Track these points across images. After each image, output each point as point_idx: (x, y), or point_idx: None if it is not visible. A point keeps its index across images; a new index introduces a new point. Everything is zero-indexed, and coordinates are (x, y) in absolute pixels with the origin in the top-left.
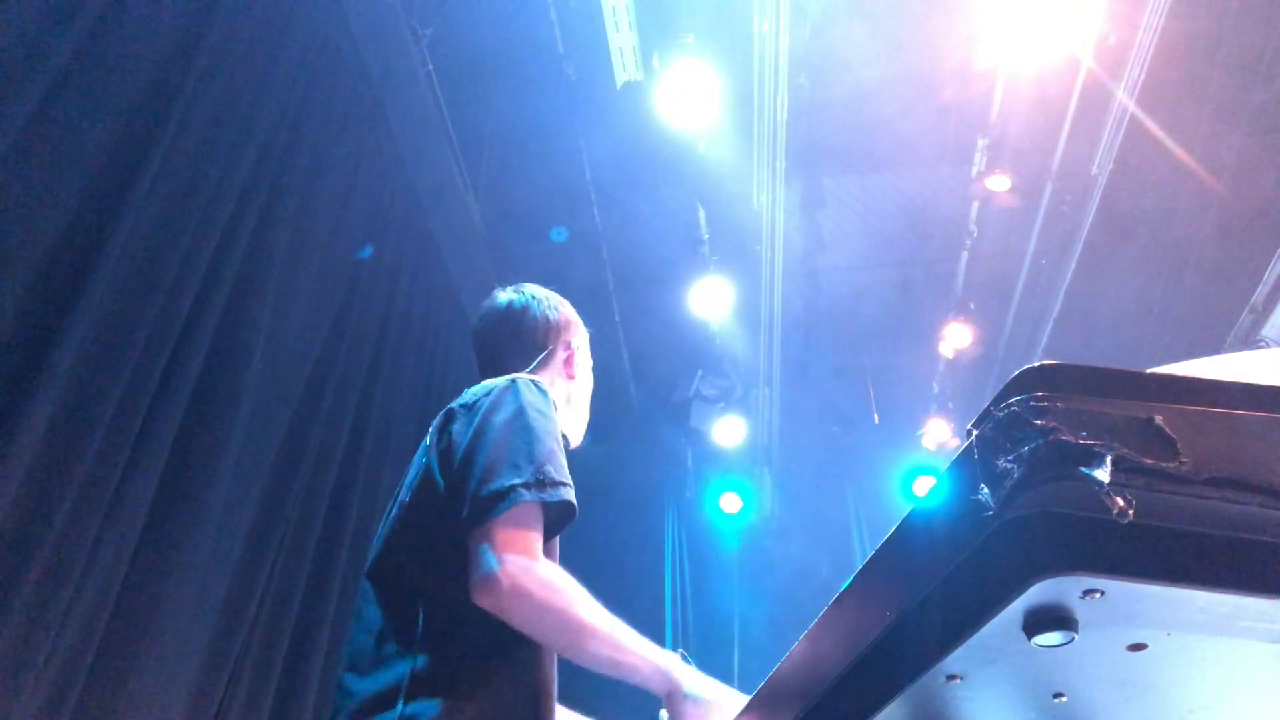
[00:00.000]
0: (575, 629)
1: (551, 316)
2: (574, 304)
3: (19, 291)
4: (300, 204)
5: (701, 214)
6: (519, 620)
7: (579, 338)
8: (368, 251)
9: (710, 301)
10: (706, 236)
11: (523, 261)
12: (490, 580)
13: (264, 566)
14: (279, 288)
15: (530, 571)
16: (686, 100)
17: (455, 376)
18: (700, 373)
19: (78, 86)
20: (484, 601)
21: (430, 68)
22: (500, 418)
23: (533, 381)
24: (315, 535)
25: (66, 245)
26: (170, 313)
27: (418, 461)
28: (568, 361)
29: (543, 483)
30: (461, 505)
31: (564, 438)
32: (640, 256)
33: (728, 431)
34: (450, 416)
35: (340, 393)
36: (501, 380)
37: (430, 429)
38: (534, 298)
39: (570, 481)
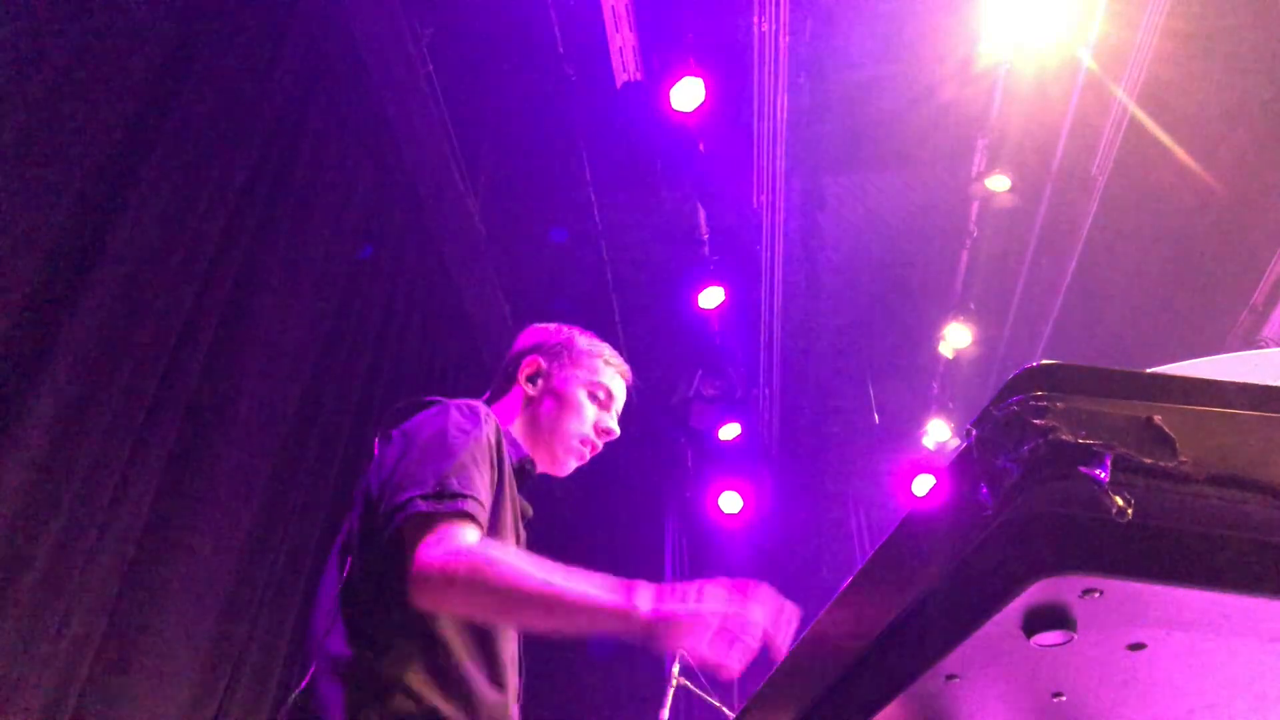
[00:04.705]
0: (513, 599)
1: (528, 342)
2: (574, 304)
3: (20, 290)
4: (300, 204)
5: (701, 214)
6: (457, 609)
7: (560, 362)
8: (368, 251)
9: (710, 301)
10: (706, 236)
11: (523, 261)
12: (414, 582)
13: (264, 566)
14: (279, 288)
15: (446, 559)
16: (686, 100)
17: (455, 376)
18: (700, 373)
19: (78, 86)
20: (420, 602)
21: (430, 68)
22: (420, 439)
23: (467, 405)
24: (315, 535)
25: (67, 245)
26: (171, 312)
27: (362, 483)
28: (533, 382)
29: (441, 495)
30: (378, 520)
31: (527, 461)
32: (640, 256)
33: (728, 431)
34: (387, 439)
35: (340, 392)
36: (436, 406)
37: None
38: (529, 329)
39: (476, 495)
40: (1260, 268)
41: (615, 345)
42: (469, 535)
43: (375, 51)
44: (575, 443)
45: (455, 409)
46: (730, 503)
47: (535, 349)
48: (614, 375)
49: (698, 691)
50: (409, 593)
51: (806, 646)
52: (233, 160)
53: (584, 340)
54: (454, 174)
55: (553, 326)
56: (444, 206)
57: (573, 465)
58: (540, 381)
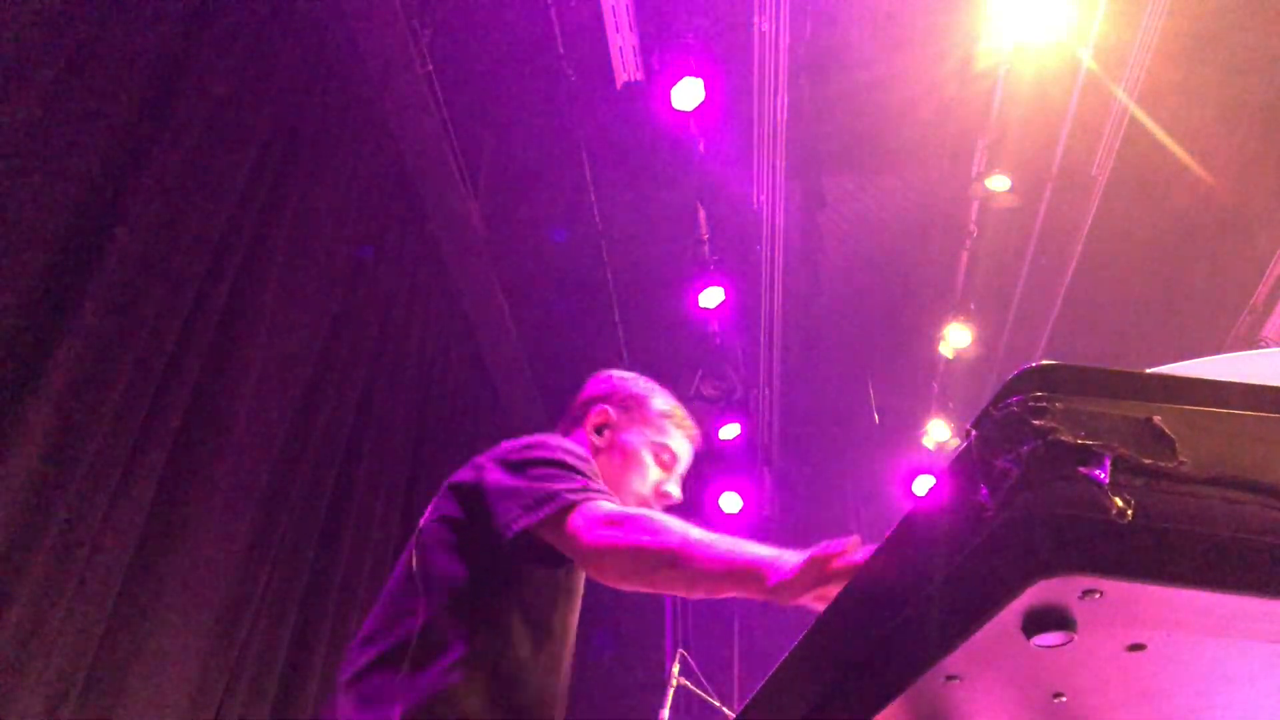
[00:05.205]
0: (658, 562)
1: (601, 389)
2: (574, 304)
3: (20, 291)
4: (300, 204)
5: (701, 214)
6: (621, 574)
7: (630, 416)
8: (368, 251)
9: (710, 301)
10: (706, 236)
11: (523, 261)
12: (583, 552)
13: (264, 567)
14: (279, 288)
15: (603, 520)
16: (686, 100)
17: (455, 377)
18: (700, 373)
19: (78, 86)
20: (596, 574)
21: (430, 68)
22: (537, 455)
23: (559, 440)
24: (315, 535)
25: (67, 245)
26: (170, 313)
27: (438, 511)
28: (600, 433)
29: (586, 490)
30: (509, 522)
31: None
32: (640, 256)
33: (728, 431)
34: (478, 468)
35: (340, 393)
36: (534, 436)
37: (456, 476)
38: (603, 374)
39: (610, 494)
40: (1260, 268)
41: (615, 345)
42: (610, 506)
43: (375, 51)
44: (633, 503)
45: (556, 437)
46: (730, 503)
47: (607, 398)
48: (682, 439)
49: (698, 691)
50: (585, 569)
51: (806, 647)
52: (232, 160)
53: (660, 400)
54: (454, 174)
55: (630, 376)
56: (444, 206)
57: None
58: (608, 433)
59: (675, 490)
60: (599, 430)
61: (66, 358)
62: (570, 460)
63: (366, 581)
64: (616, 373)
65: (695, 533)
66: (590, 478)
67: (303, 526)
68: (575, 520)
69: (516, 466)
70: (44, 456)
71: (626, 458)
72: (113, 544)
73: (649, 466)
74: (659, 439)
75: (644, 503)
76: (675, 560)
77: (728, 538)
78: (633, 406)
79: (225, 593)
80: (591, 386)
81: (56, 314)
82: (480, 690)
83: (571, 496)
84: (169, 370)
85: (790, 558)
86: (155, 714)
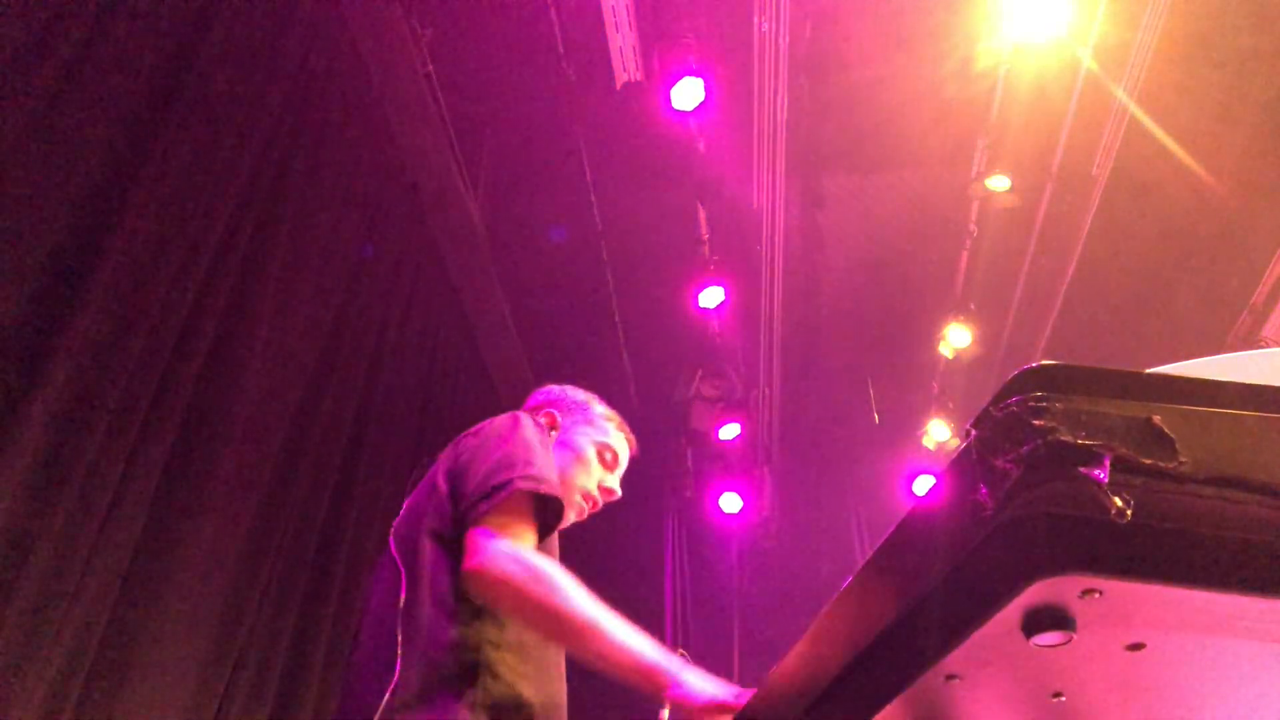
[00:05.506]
0: (555, 620)
1: (546, 398)
2: (574, 304)
3: (20, 290)
4: (300, 204)
5: (701, 214)
6: (503, 607)
7: (574, 419)
8: (368, 251)
9: (710, 301)
10: (706, 236)
11: (523, 261)
12: (477, 568)
13: (264, 567)
14: (279, 288)
15: (516, 559)
16: (686, 100)
17: (455, 377)
18: (700, 373)
19: (78, 86)
20: (471, 588)
21: (430, 68)
22: (500, 435)
23: (531, 419)
24: (315, 535)
25: (66, 245)
26: (170, 312)
27: (426, 485)
28: (550, 433)
29: (534, 478)
30: (462, 505)
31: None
32: (640, 256)
33: (728, 431)
34: (457, 444)
35: (340, 392)
36: (504, 415)
37: (440, 459)
38: (545, 387)
39: (557, 490)
40: (1260, 268)
41: (615, 345)
42: (531, 542)
43: (375, 51)
44: (578, 497)
45: (524, 417)
46: (730, 503)
47: (553, 404)
48: (623, 441)
49: None
50: (464, 577)
51: (806, 647)
52: (232, 161)
53: (600, 406)
54: (454, 174)
55: (570, 388)
56: (444, 206)
57: (571, 519)
58: (556, 434)
59: (617, 487)
60: (549, 431)
61: (67, 357)
62: (528, 443)
63: (366, 582)
64: (556, 386)
65: (605, 615)
66: (542, 467)
67: (303, 527)
68: (492, 543)
69: (484, 452)
70: (44, 456)
71: (574, 455)
72: (113, 544)
73: (593, 463)
74: (602, 439)
75: (589, 497)
76: (576, 631)
77: (632, 629)
78: (576, 410)
79: (225, 593)
80: (535, 397)
81: (56, 314)
82: (483, 641)
83: (501, 498)
84: (169, 370)
85: (694, 681)
86: (155, 714)
